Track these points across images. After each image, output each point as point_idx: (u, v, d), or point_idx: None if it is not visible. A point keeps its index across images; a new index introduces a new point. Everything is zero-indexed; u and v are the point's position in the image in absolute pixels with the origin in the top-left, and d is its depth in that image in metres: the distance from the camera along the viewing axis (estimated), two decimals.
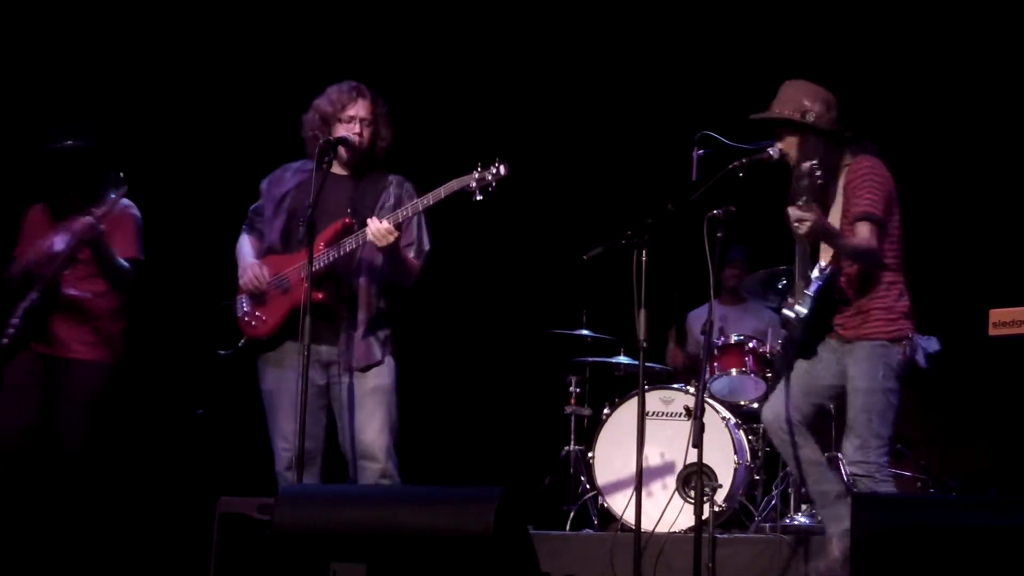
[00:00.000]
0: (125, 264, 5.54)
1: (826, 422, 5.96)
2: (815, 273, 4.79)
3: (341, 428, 5.03)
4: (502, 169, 4.84)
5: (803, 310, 4.76)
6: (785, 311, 4.85)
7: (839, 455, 6.15)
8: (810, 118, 4.77)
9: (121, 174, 5.52)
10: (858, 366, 4.74)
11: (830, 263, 4.77)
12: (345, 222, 5.00)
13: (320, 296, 4.91)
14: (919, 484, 6.78)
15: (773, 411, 4.92)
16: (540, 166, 7.57)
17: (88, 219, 5.33)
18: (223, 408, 7.37)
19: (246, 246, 5.20)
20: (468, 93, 7.84)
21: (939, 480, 6.73)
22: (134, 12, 7.36)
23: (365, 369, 5.00)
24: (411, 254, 5.07)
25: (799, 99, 4.83)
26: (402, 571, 3.89)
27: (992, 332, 5.10)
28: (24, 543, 5.56)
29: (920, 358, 4.82)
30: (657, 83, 7.75)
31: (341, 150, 5.04)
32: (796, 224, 4.57)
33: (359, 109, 5.08)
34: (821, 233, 4.62)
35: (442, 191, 4.88)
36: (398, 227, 4.91)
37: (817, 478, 4.86)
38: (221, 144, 7.46)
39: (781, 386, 4.92)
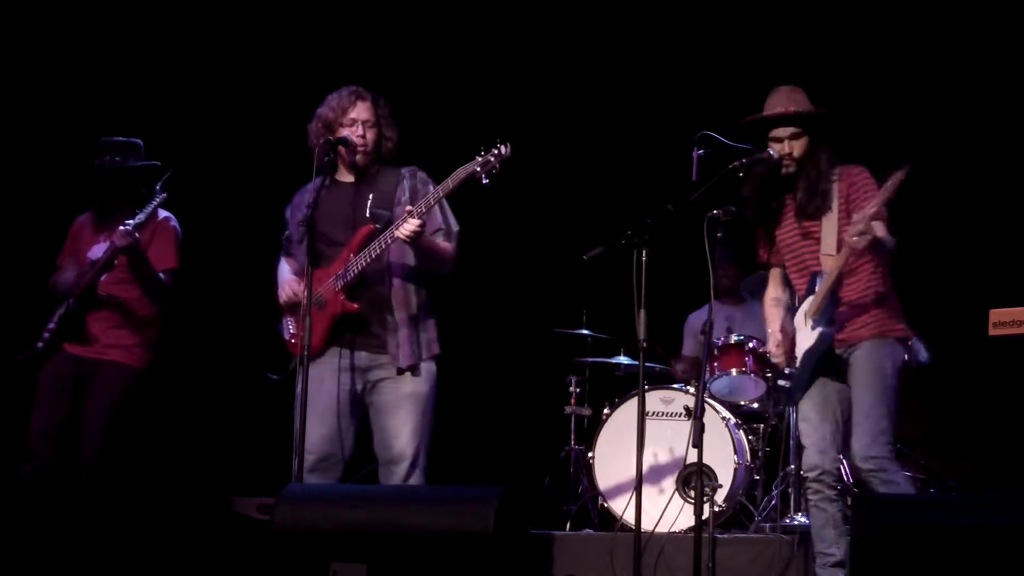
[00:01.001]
0: (161, 276, 5.59)
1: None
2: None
3: (375, 432, 5.02)
4: (503, 149, 4.82)
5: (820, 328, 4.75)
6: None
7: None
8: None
9: (160, 187, 5.57)
10: (867, 363, 4.71)
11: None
12: (370, 228, 4.98)
13: (356, 307, 4.95)
14: (919, 484, 6.78)
15: (812, 461, 4.83)
16: (540, 166, 7.58)
17: (125, 228, 5.39)
18: (223, 410, 7.39)
19: (284, 268, 5.21)
20: (469, 95, 7.84)
21: (939, 480, 6.73)
22: (157, 27, 7.42)
23: (412, 370, 4.99)
24: (440, 239, 5.07)
25: (806, 102, 4.85)
26: (402, 571, 3.89)
27: (992, 332, 5.10)
28: (32, 541, 5.57)
29: (920, 358, 4.83)
30: (657, 83, 7.75)
31: (343, 151, 5.04)
32: (858, 237, 4.50)
33: (360, 112, 5.06)
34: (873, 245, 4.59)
35: (450, 182, 4.87)
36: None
37: (829, 541, 4.81)
38: (256, 164, 7.48)
39: (813, 433, 4.84)
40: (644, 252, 4.79)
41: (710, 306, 4.81)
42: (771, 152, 4.84)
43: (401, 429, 4.95)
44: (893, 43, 7.37)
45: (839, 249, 4.70)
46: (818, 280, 4.77)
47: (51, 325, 5.52)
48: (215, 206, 7.47)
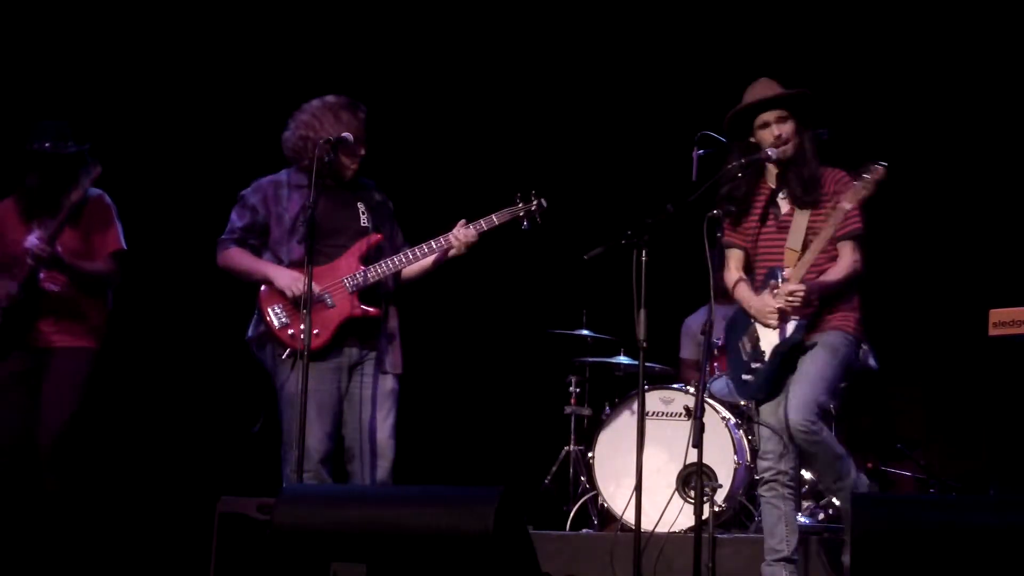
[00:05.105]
0: (99, 268, 5.52)
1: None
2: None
3: (353, 424, 5.16)
4: (543, 202, 5.30)
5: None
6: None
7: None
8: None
9: (91, 163, 5.46)
10: (825, 344, 4.80)
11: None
12: (380, 237, 5.21)
13: (375, 311, 5.15)
14: (919, 484, 6.79)
15: (768, 464, 4.96)
16: (540, 166, 7.57)
17: (35, 244, 5.28)
18: (223, 408, 7.38)
19: (248, 257, 5.20)
20: (468, 94, 7.84)
21: (939, 480, 6.73)
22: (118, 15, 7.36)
23: (397, 374, 5.22)
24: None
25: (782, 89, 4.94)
26: (402, 571, 3.89)
27: (992, 332, 5.10)
28: (22, 542, 5.53)
29: (872, 362, 4.89)
30: (656, 83, 7.74)
31: (344, 161, 5.15)
32: (789, 301, 4.70)
33: (362, 131, 5.21)
34: (818, 296, 4.74)
35: (495, 219, 5.26)
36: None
37: (780, 537, 4.93)
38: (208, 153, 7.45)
39: (772, 437, 4.94)
40: (644, 252, 4.80)
41: (710, 306, 4.80)
42: (770, 152, 4.86)
43: (384, 423, 5.15)
44: (893, 42, 7.37)
45: (803, 248, 4.80)
46: (779, 273, 4.81)
47: None
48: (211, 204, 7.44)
